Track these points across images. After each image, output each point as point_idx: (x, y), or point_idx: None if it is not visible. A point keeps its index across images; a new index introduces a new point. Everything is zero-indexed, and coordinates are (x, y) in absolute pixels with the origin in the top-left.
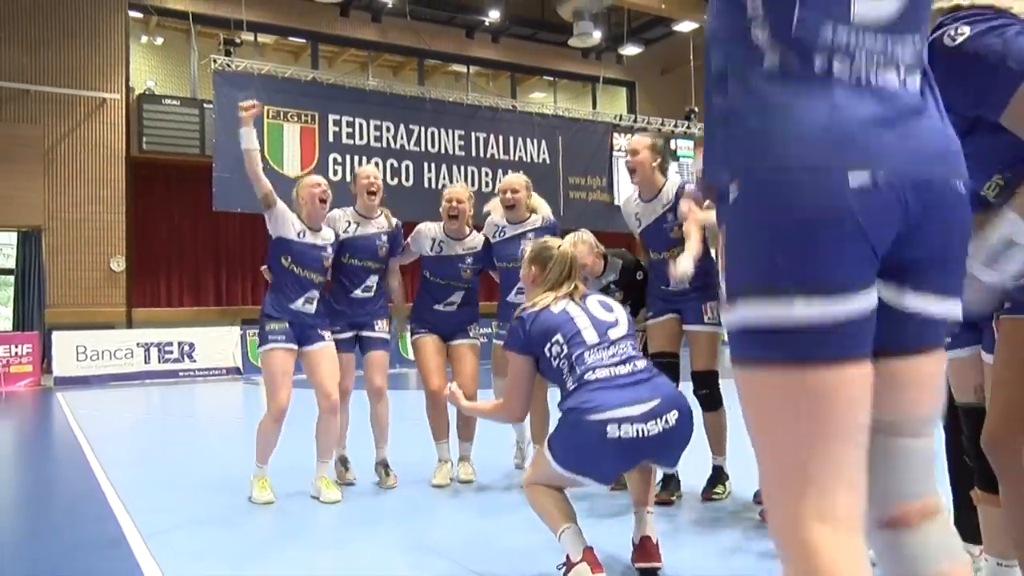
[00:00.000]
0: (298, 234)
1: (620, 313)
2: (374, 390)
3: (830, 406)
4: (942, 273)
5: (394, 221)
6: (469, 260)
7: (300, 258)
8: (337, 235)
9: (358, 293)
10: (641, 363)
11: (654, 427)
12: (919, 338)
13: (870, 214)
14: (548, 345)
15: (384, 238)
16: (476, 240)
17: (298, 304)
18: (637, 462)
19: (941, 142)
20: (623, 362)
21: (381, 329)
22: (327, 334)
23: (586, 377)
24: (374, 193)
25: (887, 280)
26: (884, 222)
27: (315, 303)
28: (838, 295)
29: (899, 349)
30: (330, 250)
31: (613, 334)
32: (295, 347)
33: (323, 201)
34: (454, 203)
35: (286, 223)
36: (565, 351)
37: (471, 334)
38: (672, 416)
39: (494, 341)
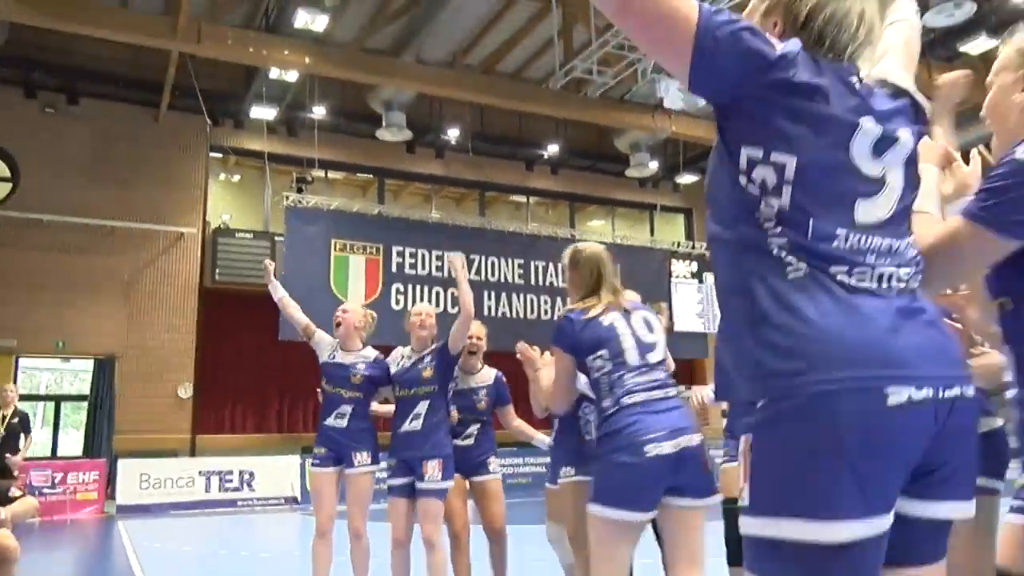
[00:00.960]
0: (329, 355)
1: (660, 336)
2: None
3: None
4: (962, 478)
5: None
6: (482, 393)
7: (330, 376)
8: (377, 360)
9: (406, 426)
10: (672, 391)
11: (687, 449)
12: (924, 550)
13: (908, 432)
14: (593, 357)
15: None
16: (488, 374)
17: (329, 420)
18: (676, 482)
19: (951, 345)
20: (659, 387)
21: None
22: (360, 456)
23: (623, 401)
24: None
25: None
26: (920, 437)
27: (346, 419)
28: (874, 517)
29: (906, 560)
30: (361, 367)
31: (651, 358)
32: (334, 469)
33: (338, 324)
34: (474, 339)
35: (321, 348)
36: (608, 368)
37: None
38: (697, 437)
39: (547, 485)
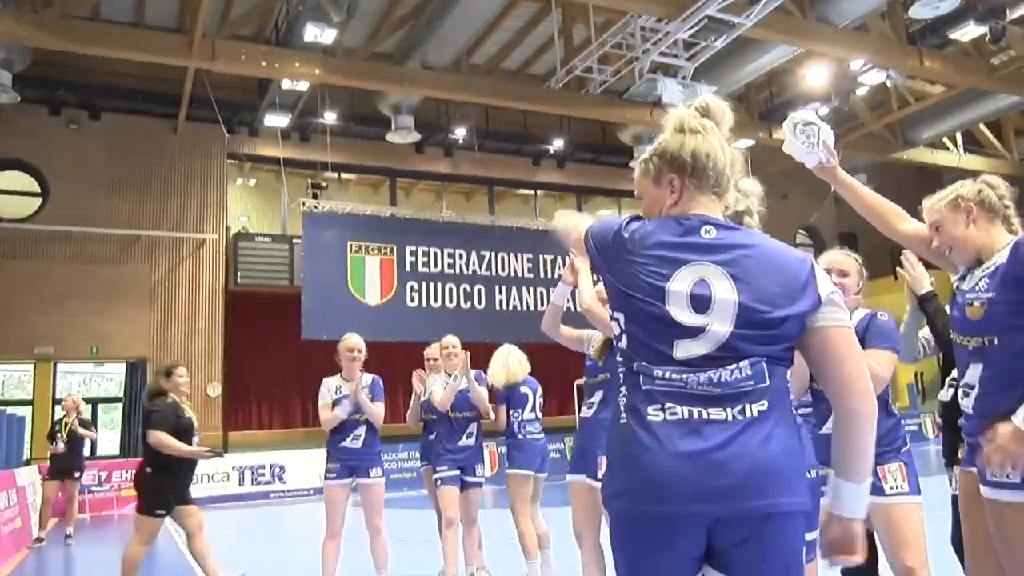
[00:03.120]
0: (336, 390)
1: None
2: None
3: None
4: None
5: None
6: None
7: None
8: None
9: (463, 441)
10: None
11: None
12: None
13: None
14: None
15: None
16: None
17: (346, 442)
18: None
19: (759, 464)
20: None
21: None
22: (374, 469)
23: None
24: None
25: None
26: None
27: (361, 439)
28: None
29: None
30: (364, 391)
31: None
32: (348, 481)
33: (354, 360)
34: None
35: (326, 394)
36: None
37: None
38: None
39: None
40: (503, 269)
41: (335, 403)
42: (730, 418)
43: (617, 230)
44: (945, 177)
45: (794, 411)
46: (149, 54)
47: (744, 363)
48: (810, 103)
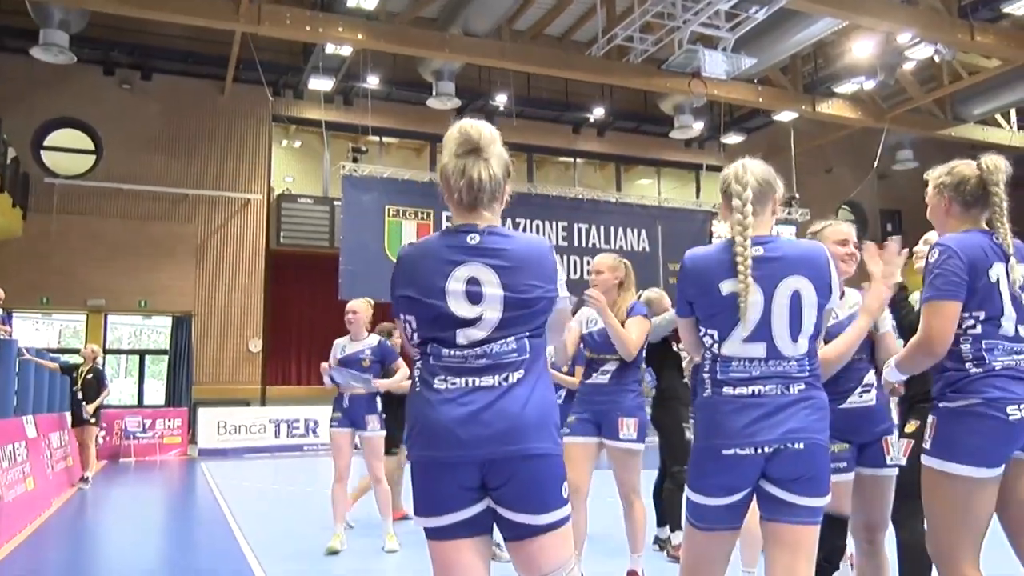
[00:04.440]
0: (341, 350)
1: None
2: None
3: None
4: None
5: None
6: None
7: (347, 363)
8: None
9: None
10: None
11: None
12: None
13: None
14: None
15: None
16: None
17: (346, 396)
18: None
19: (515, 419)
20: None
21: None
22: (372, 420)
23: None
24: None
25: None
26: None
27: (360, 394)
28: None
29: None
30: (368, 352)
31: None
32: (349, 429)
33: (350, 323)
34: None
35: (334, 352)
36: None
37: None
38: None
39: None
40: (538, 234)
41: (341, 363)
42: (496, 384)
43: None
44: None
45: (550, 374)
46: (198, 17)
47: (511, 339)
48: (855, 76)
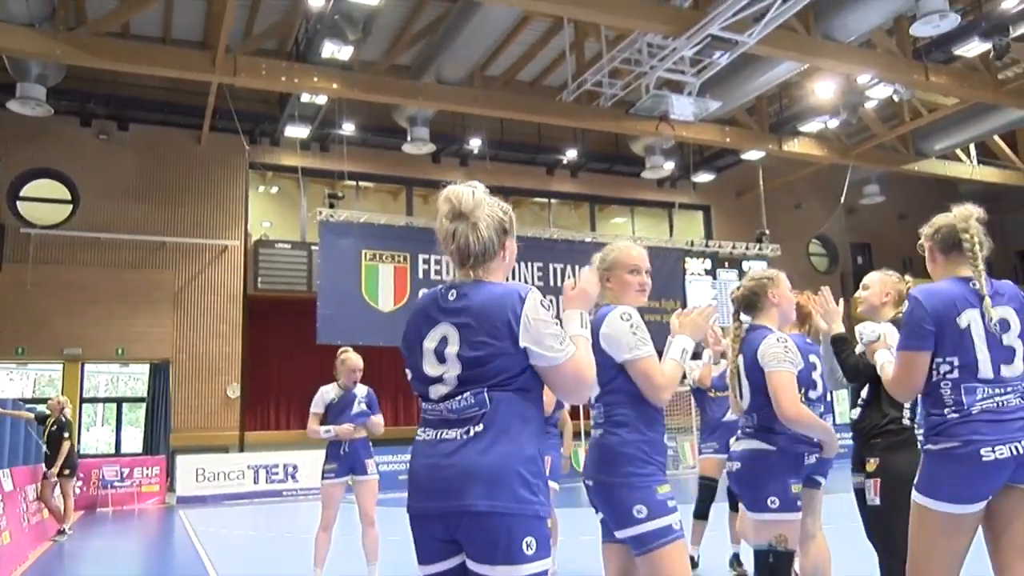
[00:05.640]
0: (332, 399)
1: None
2: None
3: None
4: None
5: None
6: None
7: (336, 416)
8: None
9: None
10: None
11: None
12: None
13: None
14: None
15: None
16: None
17: (343, 446)
18: None
19: (465, 472)
20: None
21: None
22: (370, 464)
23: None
24: None
25: None
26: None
27: (356, 443)
28: None
29: None
30: (362, 399)
31: None
32: (344, 479)
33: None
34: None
35: (320, 401)
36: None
37: None
38: None
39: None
40: (513, 277)
41: (328, 409)
42: (459, 437)
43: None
44: (962, 188)
45: (529, 427)
46: (174, 70)
47: (468, 394)
48: (819, 116)
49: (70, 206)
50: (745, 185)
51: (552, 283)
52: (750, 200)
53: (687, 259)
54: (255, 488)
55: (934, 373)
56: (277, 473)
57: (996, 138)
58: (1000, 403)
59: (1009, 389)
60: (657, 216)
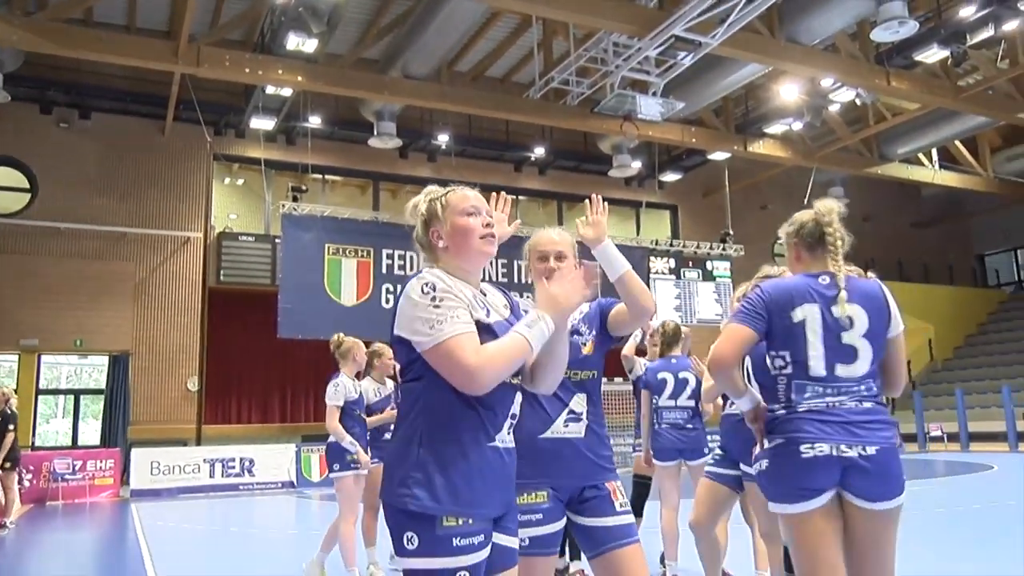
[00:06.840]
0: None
1: None
2: None
3: None
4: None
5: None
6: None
7: (355, 406)
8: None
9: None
10: None
11: None
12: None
13: None
14: None
15: None
16: None
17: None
18: None
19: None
20: None
21: None
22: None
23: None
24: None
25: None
26: None
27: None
28: None
29: None
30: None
31: None
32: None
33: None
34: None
35: (340, 393)
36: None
37: None
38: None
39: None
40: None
41: (348, 407)
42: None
43: None
44: (924, 191)
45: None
46: (136, 59)
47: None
48: (784, 118)
49: (28, 195)
50: (712, 185)
51: (517, 280)
52: (717, 200)
53: (651, 258)
54: (210, 482)
55: (770, 367)
56: (233, 467)
57: (957, 143)
58: (830, 404)
59: (843, 390)
60: (624, 215)
